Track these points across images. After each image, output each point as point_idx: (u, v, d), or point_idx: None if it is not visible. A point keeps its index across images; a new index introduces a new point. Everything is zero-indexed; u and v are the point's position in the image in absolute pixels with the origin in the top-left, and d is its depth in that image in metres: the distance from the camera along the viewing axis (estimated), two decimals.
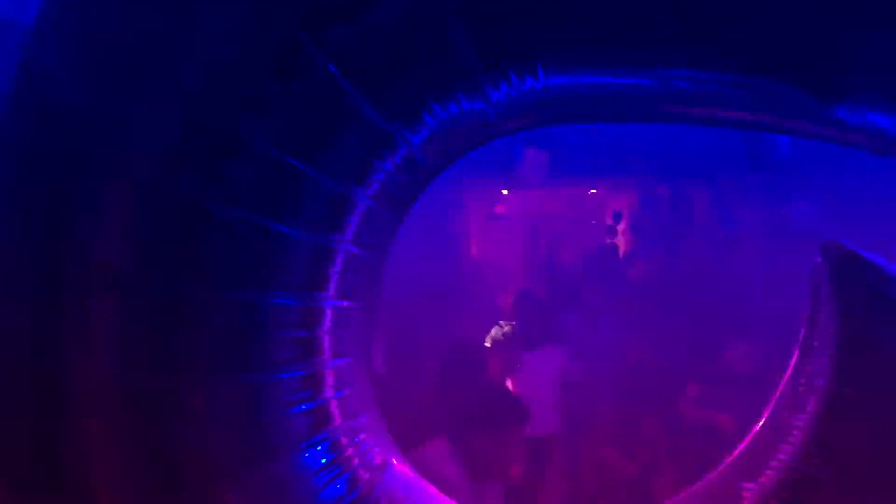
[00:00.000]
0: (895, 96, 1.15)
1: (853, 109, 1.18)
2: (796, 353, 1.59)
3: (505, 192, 9.84)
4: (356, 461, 1.44)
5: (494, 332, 4.28)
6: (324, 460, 1.37)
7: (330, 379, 1.41)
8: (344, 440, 1.42)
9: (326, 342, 1.39)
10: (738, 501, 1.51)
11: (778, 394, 1.63)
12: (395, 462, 1.56)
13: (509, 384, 4.13)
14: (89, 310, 1.19)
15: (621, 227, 9.25)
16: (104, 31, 1.21)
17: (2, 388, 1.23)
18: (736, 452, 1.67)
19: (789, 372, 1.61)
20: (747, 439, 1.67)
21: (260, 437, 1.29)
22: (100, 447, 1.21)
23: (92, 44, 1.21)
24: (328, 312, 1.39)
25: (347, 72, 1.21)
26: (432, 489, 1.65)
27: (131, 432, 1.21)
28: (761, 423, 1.65)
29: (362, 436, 1.48)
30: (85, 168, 1.19)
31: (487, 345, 4.19)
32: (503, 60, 1.29)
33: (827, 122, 1.24)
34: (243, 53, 1.18)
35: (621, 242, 9.06)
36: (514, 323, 4.42)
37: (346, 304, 1.44)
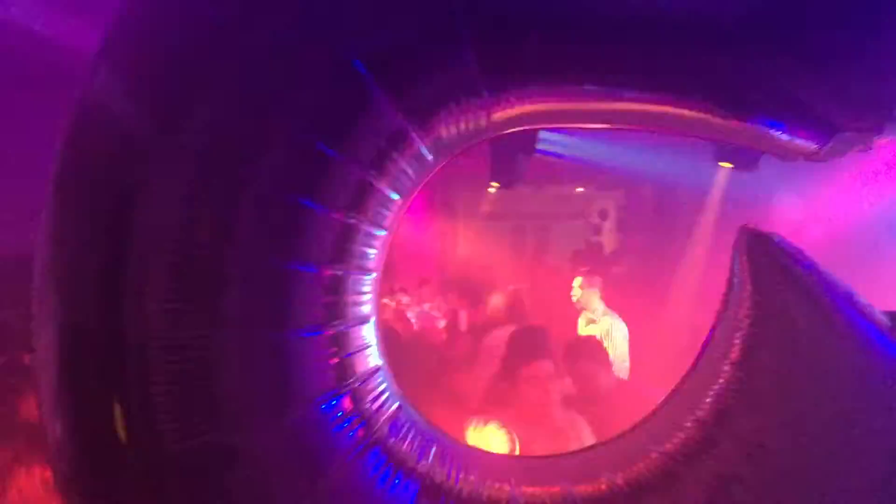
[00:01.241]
0: (785, 115, 1.61)
1: (758, 122, 1.63)
2: (715, 327, 1.74)
3: (492, 190, 9.93)
4: (374, 410, 1.66)
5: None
6: (345, 409, 1.59)
7: (352, 339, 1.64)
8: (363, 392, 1.64)
9: (349, 306, 1.63)
10: (645, 459, 1.66)
11: (693, 364, 1.78)
12: (409, 410, 1.78)
13: None
14: (147, 274, 1.40)
15: (607, 225, 9.38)
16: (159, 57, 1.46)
17: (72, 347, 1.45)
18: (647, 416, 1.84)
19: (705, 344, 1.76)
20: (660, 404, 1.83)
21: (289, 387, 1.50)
22: (154, 393, 1.40)
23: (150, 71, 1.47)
24: (350, 281, 1.62)
25: (377, 76, 1.48)
26: (442, 433, 1.88)
27: (179, 379, 1.41)
28: (672, 392, 1.81)
29: (380, 388, 1.71)
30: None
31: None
32: (504, 81, 1.60)
33: (742, 132, 1.67)
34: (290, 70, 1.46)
35: (607, 240, 9.18)
36: None
37: (364, 274, 1.67)
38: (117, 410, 1.42)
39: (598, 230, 9.44)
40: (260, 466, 1.45)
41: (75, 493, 1.49)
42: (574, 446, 2.78)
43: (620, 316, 5.16)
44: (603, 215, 9.48)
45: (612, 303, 5.30)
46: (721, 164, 4.47)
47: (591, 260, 7.68)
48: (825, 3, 1.50)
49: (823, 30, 1.50)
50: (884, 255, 5.05)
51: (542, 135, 5.03)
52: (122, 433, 1.43)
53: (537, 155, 5.00)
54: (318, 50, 1.45)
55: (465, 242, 9.58)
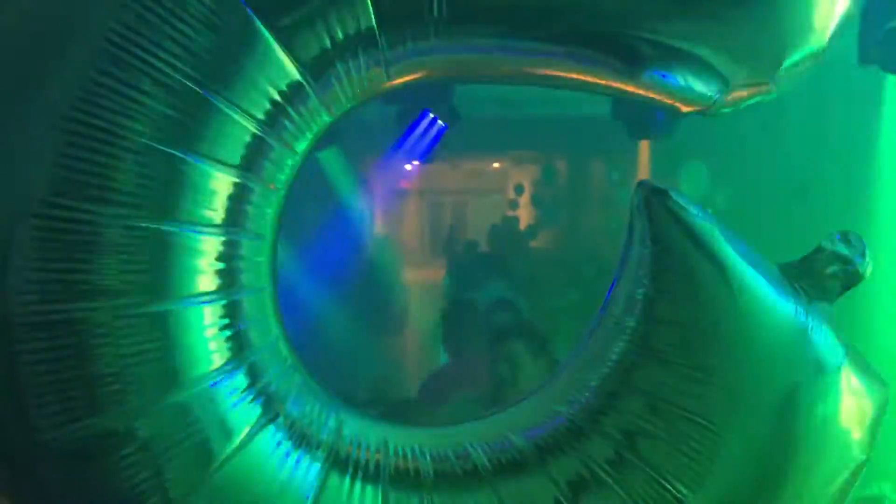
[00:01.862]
0: (677, 69, 1.65)
1: (650, 76, 1.66)
2: (615, 284, 1.77)
3: (409, 167, 9.86)
4: (272, 384, 1.54)
5: None
6: (241, 386, 1.47)
7: (247, 308, 1.51)
8: (261, 366, 1.52)
9: (243, 273, 1.50)
10: (551, 418, 1.67)
11: (596, 322, 1.79)
12: (310, 383, 1.67)
13: None
14: (11, 239, 1.27)
15: (523, 200, 9.42)
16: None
17: None
18: (551, 377, 1.87)
19: (607, 301, 1.78)
20: (563, 365, 1.87)
21: (175, 363, 1.38)
22: (21, 375, 1.29)
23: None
24: (243, 246, 1.49)
25: (267, 21, 1.37)
26: (345, 405, 1.77)
27: (49, 359, 1.29)
28: (575, 351, 1.83)
29: (279, 361, 1.59)
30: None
31: None
32: (401, 25, 1.50)
33: (636, 86, 1.69)
34: None
35: (523, 215, 9.23)
36: None
37: (258, 239, 1.54)
38: None
39: (514, 205, 9.49)
40: (146, 453, 1.34)
41: None
42: None
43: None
44: (518, 190, 9.53)
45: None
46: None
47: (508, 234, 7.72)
48: None
49: None
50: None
51: (455, 108, 4.99)
52: None
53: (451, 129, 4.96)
54: None
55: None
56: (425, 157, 5.60)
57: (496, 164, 10.04)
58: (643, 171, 6.77)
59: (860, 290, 1.69)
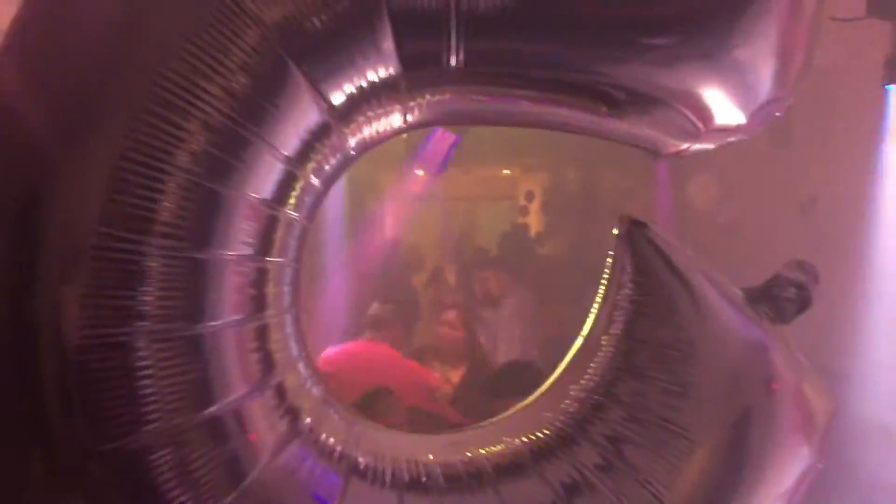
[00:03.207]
0: (647, 117, 1.79)
1: (629, 120, 1.80)
2: (599, 306, 1.97)
3: (420, 173, 9.91)
4: (297, 401, 1.65)
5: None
6: (270, 404, 1.58)
7: (275, 331, 1.62)
8: (287, 385, 1.63)
9: (272, 298, 1.61)
10: (542, 425, 1.85)
11: (580, 341, 1.99)
12: (328, 398, 1.78)
13: None
14: (69, 269, 1.36)
15: (533, 207, 9.48)
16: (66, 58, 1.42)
17: None
18: (541, 390, 2.02)
19: (592, 321, 1.98)
20: (552, 379, 2.01)
21: (211, 383, 1.47)
22: (71, 393, 1.38)
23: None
24: (272, 272, 1.60)
25: (301, 66, 1.47)
26: (360, 417, 1.93)
27: (97, 380, 1.37)
28: (561, 368, 2.00)
29: (302, 379, 1.70)
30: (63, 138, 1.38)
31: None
32: (421, 73, 1.62)
33: (617, 127, 1.85)
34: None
35: (533, 222, 9.29)
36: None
37: (286, 265, 1.65)
38: (32, 412, 1.39)
39: (524, 212, 9.54)
40: (181, 468, 1.43)
41: None
42: None
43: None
44: (529, 197, 9.58)
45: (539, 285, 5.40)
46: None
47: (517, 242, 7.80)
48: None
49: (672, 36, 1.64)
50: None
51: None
52: (38, 434, 1.41)
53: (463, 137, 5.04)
54: (243, 35, 1.41)
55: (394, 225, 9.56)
56: (440, 168, 5.70)
57: (507, 171, 10.10)
58: (654, 179, 6.83)
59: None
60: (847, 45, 3.90)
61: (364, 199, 7.69)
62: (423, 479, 1.73)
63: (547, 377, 2.04)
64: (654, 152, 1.99)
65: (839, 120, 5.12)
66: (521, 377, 3.56)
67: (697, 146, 1.91)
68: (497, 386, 3.47)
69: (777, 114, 1.86)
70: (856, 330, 4.64)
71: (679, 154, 1.99)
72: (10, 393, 1.42)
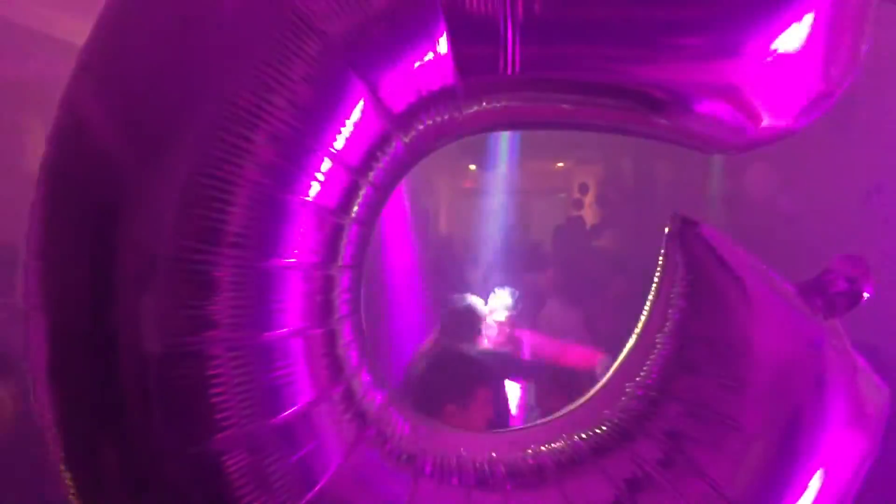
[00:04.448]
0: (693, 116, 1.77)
1: (671, 118, 1.78)
2: (651, 304, 2.00)
3: (473, 167, 9.95)
4: (364, 405, 1.70)
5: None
6: (338, 408, 1.63)
7: (342, 335, 1.67)
8: (353, 388, 1.68)
9: (338, 304, 1.66)
10: (600, 421, 1.88)
11: (634, 339, 2.01)
12: (392, 399, 1.83)
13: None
14: (147, 281, 1.42)
15: (588, 199, 9.44)
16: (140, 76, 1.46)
17: (68, 351, 1.48)
18: (598, 387, 2.03)
19: (645, 319, 2.00)
20: (608, 376, 2.03)
21: (283, 390, 1.52)
22: (151, 402, 1.43)
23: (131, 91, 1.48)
24: (338, 278, 1.65)
25: (365, 77, 1.52)
26: (423, 417, 1.96)
27: (174, 388, 1.43)
28: (616, 366, 2.02)
29: (367, 381, 1.75)
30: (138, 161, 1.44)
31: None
32: (477, 82, 1.66)
33: (664, 127, 1.83)
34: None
35: (588, 214, 9.25)
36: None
37: (350, 271, 1.70)
38: (109, 415, 1.44)
39: (578, 205, 9.51)
40: (254, 474, 1.46)
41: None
42: None
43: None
44: (583, 190, 9.55)
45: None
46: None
47: (573, 234, 7.78)
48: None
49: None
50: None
51: None
52: (119, 441, 1.46)
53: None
54: (305, 46, 1.45)
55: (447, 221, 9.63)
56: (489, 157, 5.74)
57: (560, 164, 10.08)
58: (709, 171, 6.74)
59: None
60: None
61: (418, 196, 7.76)
62: (489, 477, 1.77)
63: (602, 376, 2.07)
64: (705, 151, 2.00)
65: None
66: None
67: (750, 145, 1.90)
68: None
69: (827, 108, 1.84)
70: None
71: (730, 153, 2.00)
72: (89, 397, 1.47)
